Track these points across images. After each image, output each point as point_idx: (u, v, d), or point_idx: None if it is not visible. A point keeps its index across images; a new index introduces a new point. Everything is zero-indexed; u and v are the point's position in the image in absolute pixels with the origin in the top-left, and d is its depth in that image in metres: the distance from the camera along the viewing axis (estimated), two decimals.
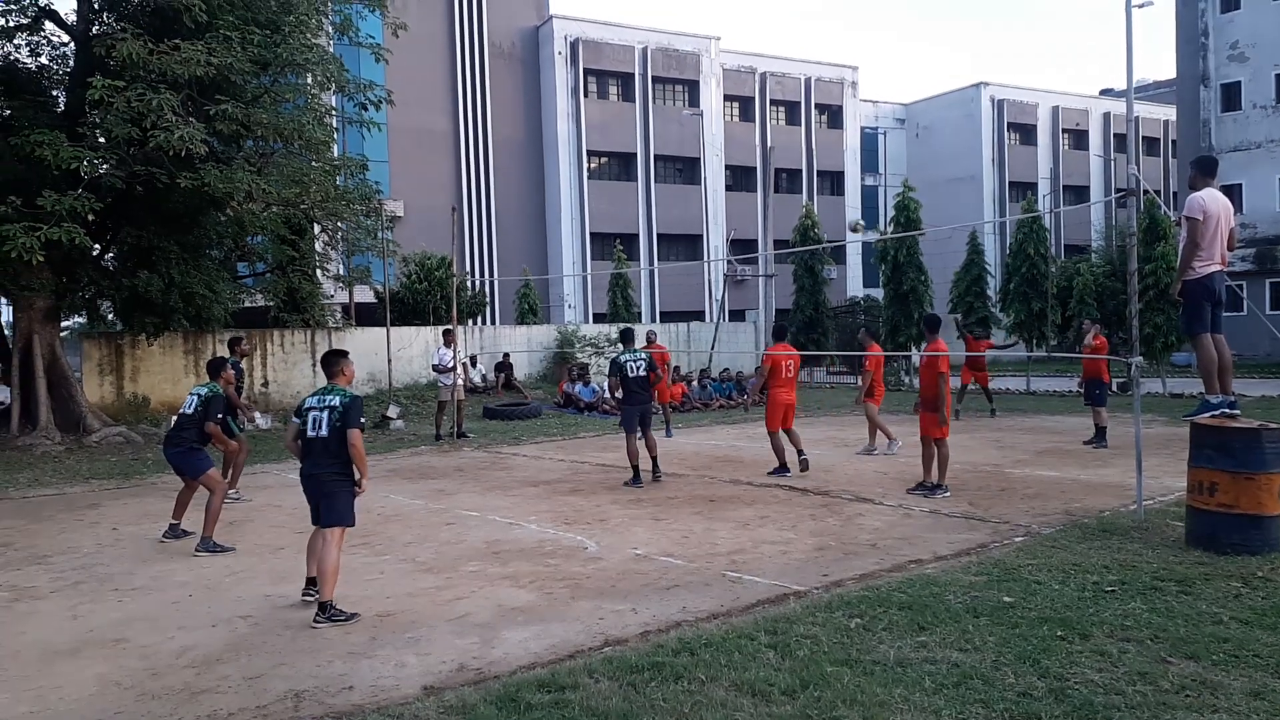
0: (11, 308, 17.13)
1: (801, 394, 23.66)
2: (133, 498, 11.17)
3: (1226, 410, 7.28)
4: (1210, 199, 7.53)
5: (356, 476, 6.31)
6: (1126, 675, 4.59)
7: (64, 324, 19.30)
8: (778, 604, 6.02)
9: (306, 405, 6.40)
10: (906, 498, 9.77)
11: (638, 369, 11.14)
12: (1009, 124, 50.24)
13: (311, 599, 6.28)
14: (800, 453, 11.27)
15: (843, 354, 28.14)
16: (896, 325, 24.84)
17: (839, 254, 43.53)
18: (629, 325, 12.60)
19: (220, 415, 8.78)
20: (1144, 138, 52.47)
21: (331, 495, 6.26)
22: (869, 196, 49.61)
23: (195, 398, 8.69)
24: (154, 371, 19.55)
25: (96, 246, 17.07)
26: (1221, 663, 4.73)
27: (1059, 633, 5.19)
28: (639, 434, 11.12)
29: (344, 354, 6.63)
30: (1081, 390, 14.46)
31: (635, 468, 11.00)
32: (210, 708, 4.61)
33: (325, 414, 6.27)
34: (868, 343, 13.65)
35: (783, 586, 6.45)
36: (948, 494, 9.73)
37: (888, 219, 31.99)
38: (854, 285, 45.09)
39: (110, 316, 20.09)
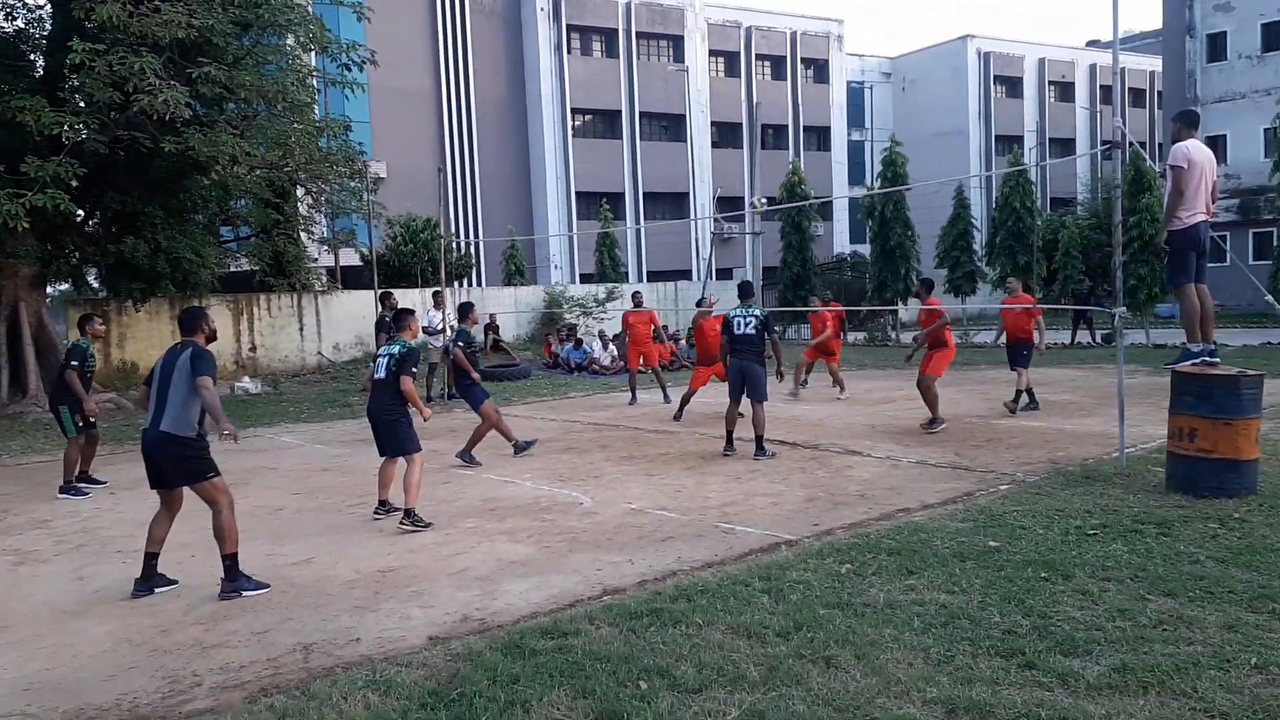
0: None
1: (786, 350, 23.66)
2: (126, 462, 11.20)
3: (1207, 359, 7.44)
4: (1195, 149, 7.63)
5: (414, 411, 7.57)
6: (1107, 612, 4.77)
7: (48, 291, 19.19)
8: (770, 552, 6.18)
9: (379, 354, 7.84)
10: (894, 448, 9.95)
11: (745, 325, 9.94)
12: (995, 77, 50.05)
13: (381, 517, 7.68)
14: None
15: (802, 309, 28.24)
16: (884, 281, 24.98)
17: (826, 210, 43.52)
18: (747, 280, 11.96)
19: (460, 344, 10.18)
20: (1130, 89, 52.34)
21: (391, 428, 7.57)
22: (856, 151, 49.48)
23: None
24: (141, 338, 19.54)
25: (80, 212, 16.96)
26: (1198, 599, 4.91)
27: (1043, 574, 5.37)
28: (738, 400, 10.13)
29: (410, 312, 8.07)
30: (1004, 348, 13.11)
31: (729, 433, 10.16)
32: (222, 661, 4.74)
33: (385, 360, 7.61)
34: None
35: (774, 536, 6.61)
36: (945, 425, 10.97)
37: (874, 174, 31.98)
38: (840, 242, 45.11)
39: (96, 283, 19.99)
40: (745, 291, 10.44)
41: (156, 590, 5.95)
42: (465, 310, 10.47)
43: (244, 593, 5.80)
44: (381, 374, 7.59)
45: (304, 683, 4.37)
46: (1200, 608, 4.80)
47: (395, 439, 7.57)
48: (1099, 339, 22.87)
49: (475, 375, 10.07)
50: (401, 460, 7.61)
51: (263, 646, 4.93)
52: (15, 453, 12.08)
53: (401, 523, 7.29)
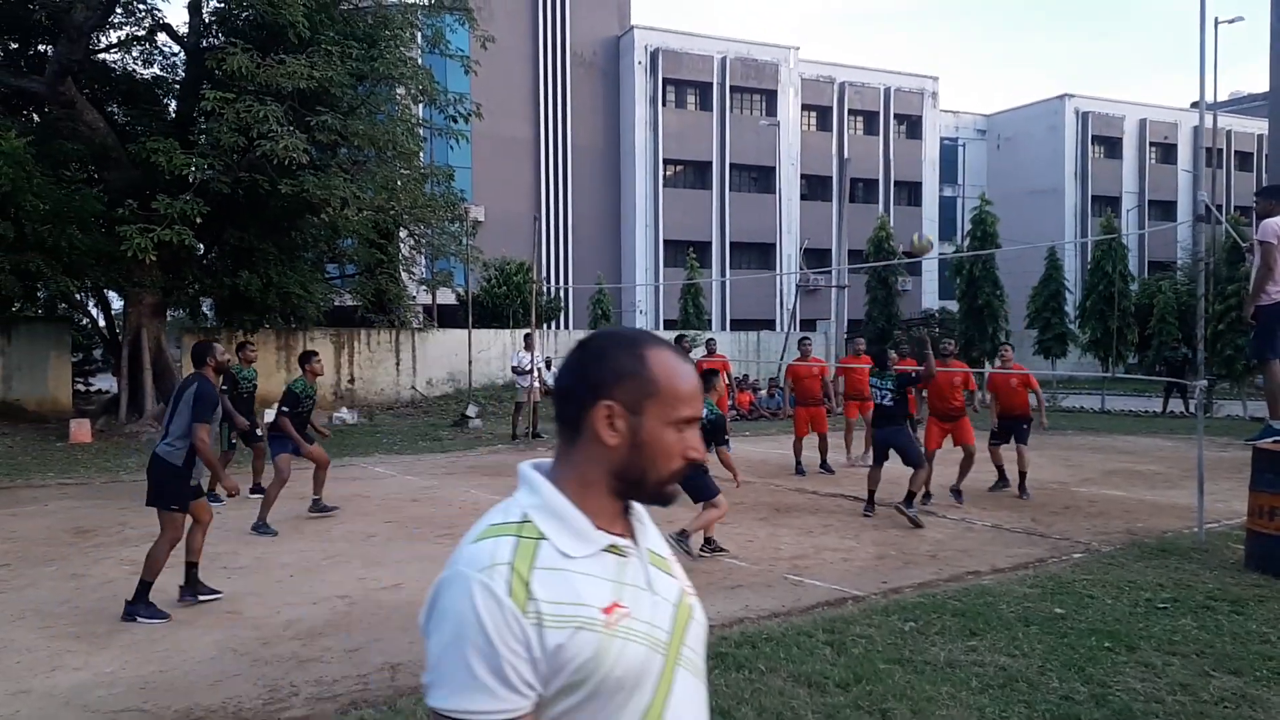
0: (123, 302, 18.27)
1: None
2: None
3: None
4: None
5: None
6: (1168, 685, 4.82)
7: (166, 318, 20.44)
8: (836, 606, 6.35)
9: None
10: (970, 511, 9.97)
11: (883, 398, 9.58)
12: (1093, 137, 49.28)
13: (707, 555, 7.87)
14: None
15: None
16: (970, 339, 24.75)
17: (915, 266, 43.24)
18: (881, 348, 10.77)
19: (284, 409, 9.28)
20: (1236, 152, 50.92)
21: (691, 482, 7.54)
22: (947, 207, 49.12)
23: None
24: None
25: (201, 246, 18.13)
26: (1264, 679, 4.92)
27: (1106, 644, 5.43)
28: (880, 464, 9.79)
29: (716, 373, 8.43)
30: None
31: (870, 493, 9.81)
32: (317, 674, 5.14)
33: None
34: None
35: (842, 591, 6.77)
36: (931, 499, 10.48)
37: (964, 232, 31.77)
38: (929, 298, 44.72)
39: (210, 313, 21.21)
40: (881, 361, 9.95)
41: (200, 598, 6.50)
42: (303, 361, 9.70)
43: (139, 619, 6.09)
44: None
45: (391, 699, 4.73)
46: (1266, 688, 4.81)
47: (698, 489, 7.71)
48: (1192, 409, 22.21)
49: (296, 440, 9.27)
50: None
51: (354, 663, 5.32)
52: (132, 470, 12.90)
53: (698, 549, 7.79)
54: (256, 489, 10.45)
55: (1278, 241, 7.54)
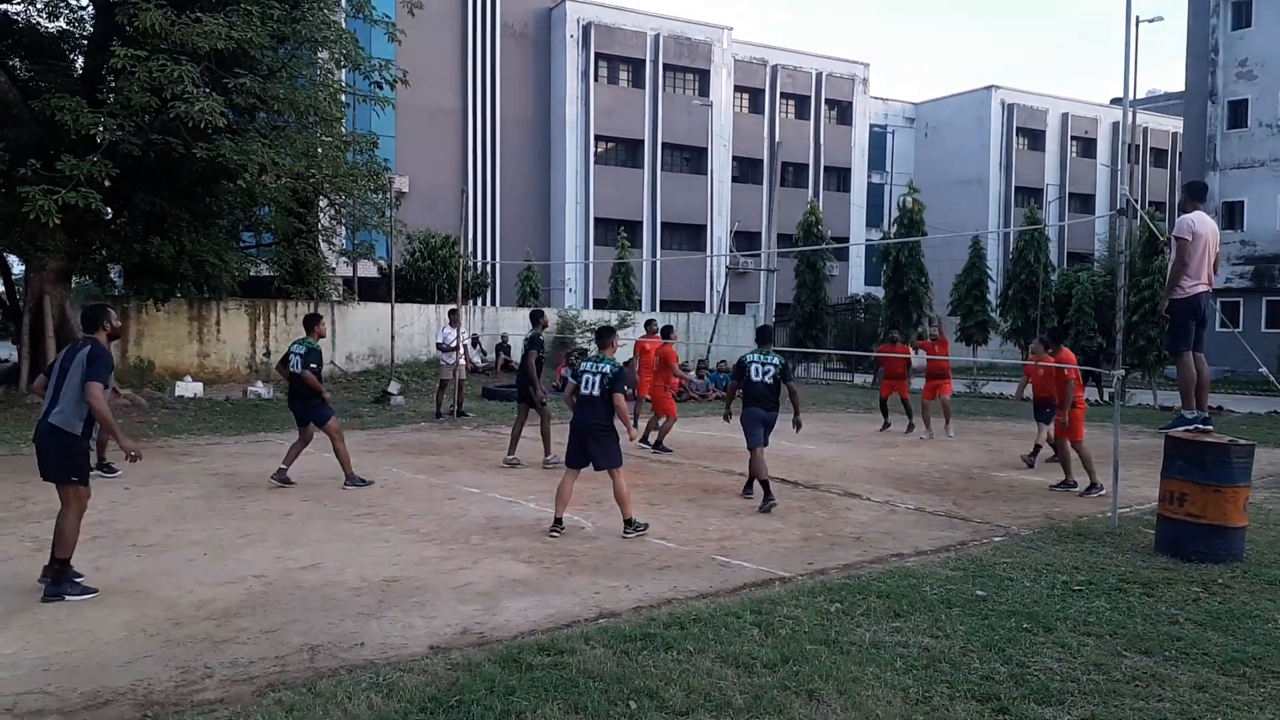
0: (25, 268, 17.39)
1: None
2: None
3: (1200, 425, 7.62)
4: (1199, 221, 7.86)
5: (621, 428, 7.94)
6: (1083, 665, 4.94)
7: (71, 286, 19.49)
8: (764, 587, 6.36)
9: (582, 369, 7.96)
10: (893, 493, 10.12)
11: (764, 374, 9.16)
12: (1018, 128, 50.50)
13: (556, 536, 7.71)
14: None
15: (841, 352, 28.44)
16: (895, 325, 25.17)
17: (842, 252, 43.81)
18: (766, 325, 11.51)
19: (314, 366, 9.86)
20: (1152, 149, 52.72)
21: (600, 442, 7.76)
22: (875, 194, 49.85)
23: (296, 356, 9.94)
24: (158, 336, 19.85)
25: (109, 211, 17.31)
26: (1173, 658, 5.08)
27: (1025, 625, 5.54)
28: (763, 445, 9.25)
29: (613, 330, 8.32)
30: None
31: (765, 483, 9.13)
32: (232, 656, 4.94)
33: (597, 378, 7.80)
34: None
35: (769, 572, 6.79)
36: (1103, 491, 9.83)
37: (891, 219, 32.25)
38: (856, 283, 45.37)
39: (118, 280, 20.33)
40: (764, 336, 9.81)
41: (68, 598, 5.87)
42: (311, 323, 10.29)
43: (67, 597, 5.83)
44: (595, 390, 7.79)
45: (310, 681, 4.57)
46: (1174, 667, 4.96)
47: (607, 453, 7.80)
48: (1106, 397, 22.96)
49: (325, 395, 9.97)
50: (594, 475, 8.02)
51: (271, 644, 5.13)
52: (32, 442, 12.32)
53: (625, 534, 7.75)
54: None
55: (1191, 237, 7.76)
